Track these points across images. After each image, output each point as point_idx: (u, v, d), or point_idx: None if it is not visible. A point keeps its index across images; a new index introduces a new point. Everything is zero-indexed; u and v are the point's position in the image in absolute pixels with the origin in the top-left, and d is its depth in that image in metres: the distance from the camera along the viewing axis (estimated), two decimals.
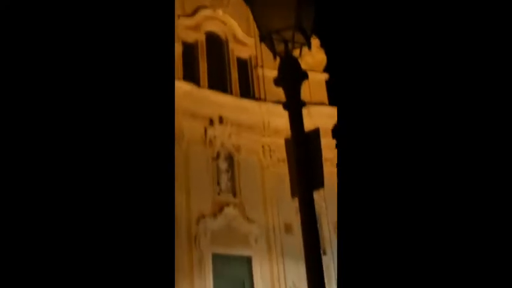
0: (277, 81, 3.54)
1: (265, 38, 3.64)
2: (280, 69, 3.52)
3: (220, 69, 21.87)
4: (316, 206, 16.66)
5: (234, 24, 22.58)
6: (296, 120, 3.22)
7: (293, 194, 2.83)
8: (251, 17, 3.88)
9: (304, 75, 3.66)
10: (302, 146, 3.01)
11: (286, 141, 3.43)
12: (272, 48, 3.62)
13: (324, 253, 20.87)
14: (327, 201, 21.54)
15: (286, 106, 3.39)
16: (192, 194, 18.15)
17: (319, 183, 2.84)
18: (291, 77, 3.45)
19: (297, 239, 16.75)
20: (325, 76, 23.66)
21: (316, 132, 3.33)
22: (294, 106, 3.30)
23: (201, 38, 21.66)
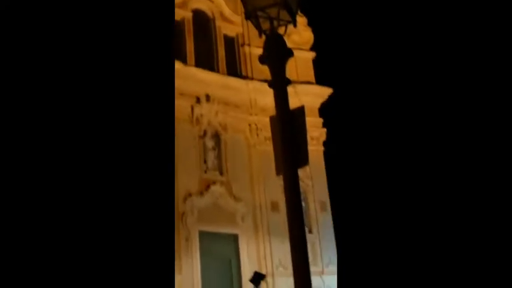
0: (262, 59, 3.53)
1: (251, 15, 3.62)
2: (266, 47, 3.51)
3: (207, 47, 21.71)
4: (303, 185, 16.82)
5: (221, 1, 22.37)
6: (281, 97, 3.22)
7: (278, 172, 2.84)
8: None
9: (289, 53, 3.65)
10: (287, 124, 3.02)
11: (271, 118, 3.43)
12: (257, 25, 3.61)
13: (310, 231, 21.04)
14: (313, 180, 21.66)
15: (271, 84, 3.39)
16: (178, 172, 18.15)
17: (304, 160, 2.86)
18: (276, 54, 3.44)
19: (283, 217, 16.79)
20: (312, 55, 23.60)
21: (301, 110, 3.34)
22: (279, 84, 3.30)
23: (188, 15, 21.45)
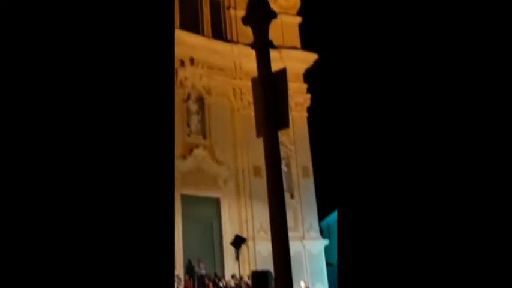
0: (245, 20, 3.48)
1: None
2: (249, 8, 3.46)
3: (193, 10, 21.38)
4: (286, 150, 16.87)
5: None
6: (263, 59, 3.19)
7: (258, 134, 2.84)
8: None
9: (272, 14, 3.60)
10: (268, 86, 3.00)
11: (253, 80, 3.40)
12: None
13: (292, 197, 21.22)
14: (296, 145, 21.75)
15: (253, 45, 3.35)
16: None
17: (284, 123, 2.85)
18: (259, 15, 3.39)
19: (265, 182, 16.88)
20: (298, 19, 23.37)
21: (283, 72, 3.31)
22: (261, 45, 3.26)
23: None
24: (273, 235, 2.53)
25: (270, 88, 2.98)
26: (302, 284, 17.12)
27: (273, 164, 2.67)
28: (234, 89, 21.21)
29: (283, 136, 21.47)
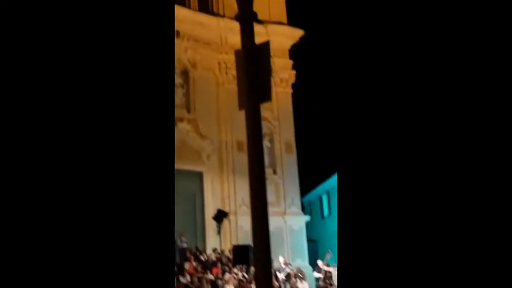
0: None
1: None
2: None
3: None
4: (270, 125, 16.87)
5: None
6: (247, 31, 3.15)
7: (240, 106, 2.82)
8: None
9: None
10: (252, 58, 2.97)
11: (236, 52, 3.37)
12: None
13: (275, 172, 21.30)
14: (280, 121, 21.75)
15: (238, 17, 3.31)
16: None
17: (266, 96, 2.83)
18: None
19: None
20: None
21: (266, 46, 3.28)
22: (246, 17, 3.22)
23: None
24: (253, 209, 2.52)
25: (253, 61, 2.95)
26: (281, 259, 17.29)
27: (254, 136, 2.66)
28: (219, 63, 21.07)
29: (267, 112, 21.43)
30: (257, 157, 2.64)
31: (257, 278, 2.47)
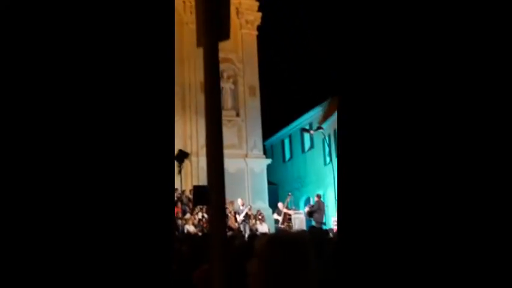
0: None
1: None
2: None
3: None
4: (234, 68, 16.69)
5: None
6: None
7: (198, 44, 2.71)
8: None
9: None
10: None
11: None
12: None
13: (238, 115, 21.27)
14: (244, 64, 21.55)
15: None
16: None
17: (225, 34, 2.73)
18: None
19: None
20: None
21: None
22: None
23: None
24: (208, 151, 2.47)
25: None
26: (239, 201, 17.51)
27: (211, 74, 2.58)
28: (184, 1, 20.54)
29: (231, 53, 21.17)
30: (214, 95, 2.57)
31: (211, 221, 2.45)
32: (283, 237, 2.33)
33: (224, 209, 2.52)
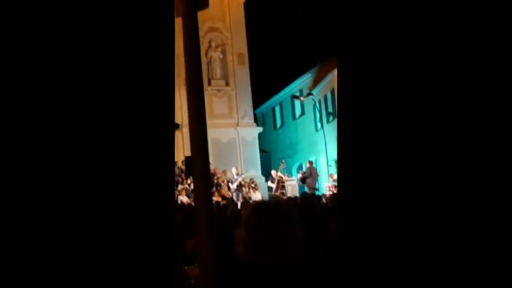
0: None
1: None
2: None
3: None
4: (222, 37, 16.56)
5: None
6: None
7: (177, 14, 2.68)
8: None
9: None
10: None
11: None
12: None
13: (227, 84, 21.18)
14: (232, 32, 21.34)
15: None
16: None
17: (204, 3, 2.70)
18: None
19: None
20: None
21: None
22: None
23: None
24: (190, 121, 2.48)
25: None
26: (233, 170, 17.58)
27: (191, 45, 2.56)
28: None
29: (219, 22, 20.96)
30: (195, 66, 2.56)
31: (196, 191, 2.47)
32: (267, 204, 2.36)
33: (209, 179, 2.53)
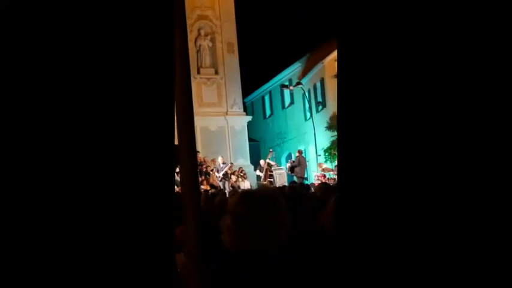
0: None
1: None
2: None
3: None
4: (211, 25, 16.47)
5: None
6: None
7: None
8: None
9: None
10: None
11: None
12: None
13: (216, 72, 21.11)
14: (222, 20, 21.24)
15: None
16: None
17: None
18: None
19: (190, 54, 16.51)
20: None
21: None
22: None
23: None
24: (177, 107, 2.46)
25: None
26: (219, 159, 17.58)
27: (179, 33, 2.54)
28: None
29: (208, 10, 20.84)
30: (182, 55, 2.54)
31: (182, 180, 2.46)
32: (254, 193, 2.36)
33: (196, 168, 2.53)
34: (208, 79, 20.85)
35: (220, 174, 16.75)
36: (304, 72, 25.37)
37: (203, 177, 15.57)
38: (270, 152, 19.25)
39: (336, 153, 16.34)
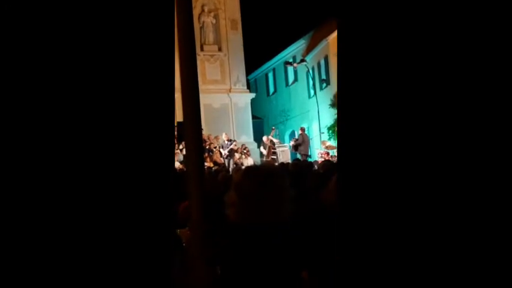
0: None
1: None
2: None
3: None
4: (215, 1, 16.29)
5: None
6: None
7: None
8: None
9: None
10: None
11: None
12: None
13: (220, 49, 21.01)
14: None
15: None
16: None
17: None
18: None
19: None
20: None
21: None
22: None
23: None
24: (183, 86, 2.48)
25: None
26: (224, 136, 17.59)
27: (183, 11, 2.55)
28: None
29: None
30: (187, 32, 2.55)
31: (187, 157, 2.49)
32: (259, 168, 2.39)
33: (201, 144, 2.55)
34: (212, 56, 20.76)
35: (226, 151, 16.78)
36: (308, 50, 25.21)
37: (206, 154, 15.62)
38: (272, 129, 19.24)
39: None
